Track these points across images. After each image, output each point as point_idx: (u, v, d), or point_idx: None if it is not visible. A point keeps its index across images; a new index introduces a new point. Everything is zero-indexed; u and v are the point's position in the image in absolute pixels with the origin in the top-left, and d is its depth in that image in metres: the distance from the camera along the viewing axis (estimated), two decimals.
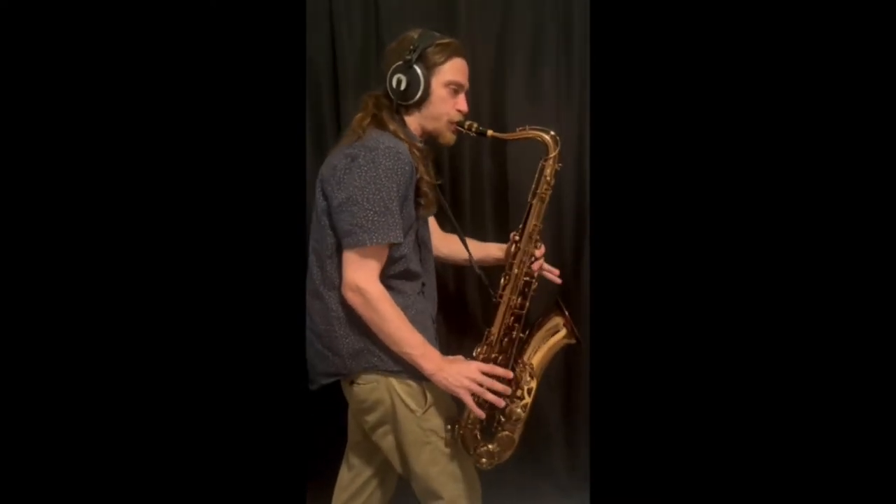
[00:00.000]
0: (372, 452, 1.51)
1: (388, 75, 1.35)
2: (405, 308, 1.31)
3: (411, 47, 1.34)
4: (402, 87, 1.33)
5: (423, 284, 1.39)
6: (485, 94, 1.91)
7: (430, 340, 1.35)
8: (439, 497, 1.40)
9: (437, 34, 1.38)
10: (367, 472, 1.54)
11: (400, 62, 1.34)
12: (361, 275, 1.25)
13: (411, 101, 1.35)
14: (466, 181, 1.95)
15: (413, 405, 1.34)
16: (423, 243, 1.40)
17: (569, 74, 1.91)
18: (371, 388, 1.34)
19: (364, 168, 1.23)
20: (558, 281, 1.57)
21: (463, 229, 1.95)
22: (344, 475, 1.57)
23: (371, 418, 1.38)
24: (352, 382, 1.36)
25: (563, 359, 2.04)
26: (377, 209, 1.22)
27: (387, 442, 1.39)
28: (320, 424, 1.76)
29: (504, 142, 1.84)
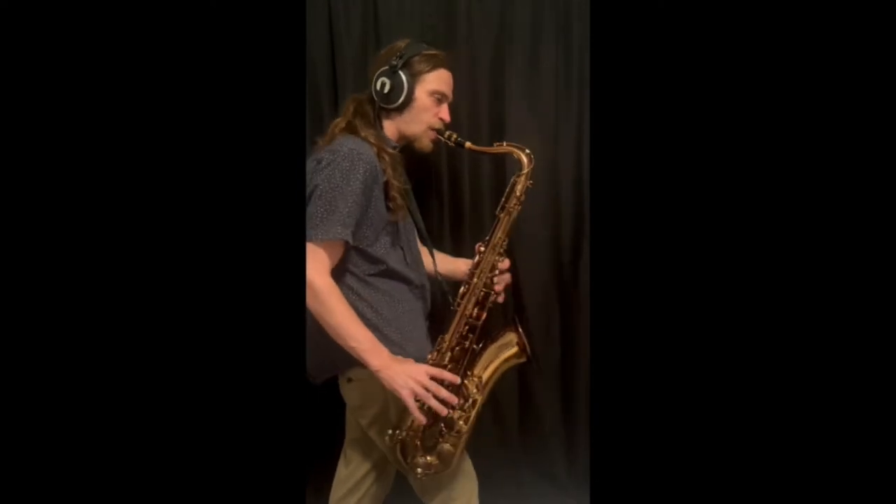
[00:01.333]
0: (369, 448, 1.53)
1: (374, 79, 1.41)
2: (390, 305, 1.35)
3: (398, 54, 1.40)
4: (386, 90, 1.39)
5: (414, 284, 1.42)
6: (483, 93, 1.91)
7: (422, 339, 1.41)
8: (438, 490, 1.42)
9: (425, 45, 1.44)
10: (365, 467, 1.56)
11: (386, 67, 1.40)
12: (310, 267, 1.25)
13: (393, 105, 1.40)
14: (466, 186, 1.95)
15: None
16: (408, 246, 1.42)
17: (567, 74, 1.91)
18: (366, 385, 1.35)
19: (325, 170, 1.27)
20: (500, 294, 1.52)
21: (462, 235, 1.96)
22: (342, 470, 1.59)
23: (368, 413, 1.40)
24: (349, 380, 1.39)
25: (561, 357, 2.04)
26: (327, 207, 1.25)
27: (383, 438, 1.40)
28: (320, 422, 1.77)
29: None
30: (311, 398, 1.42)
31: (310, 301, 1.26)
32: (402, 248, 1.41)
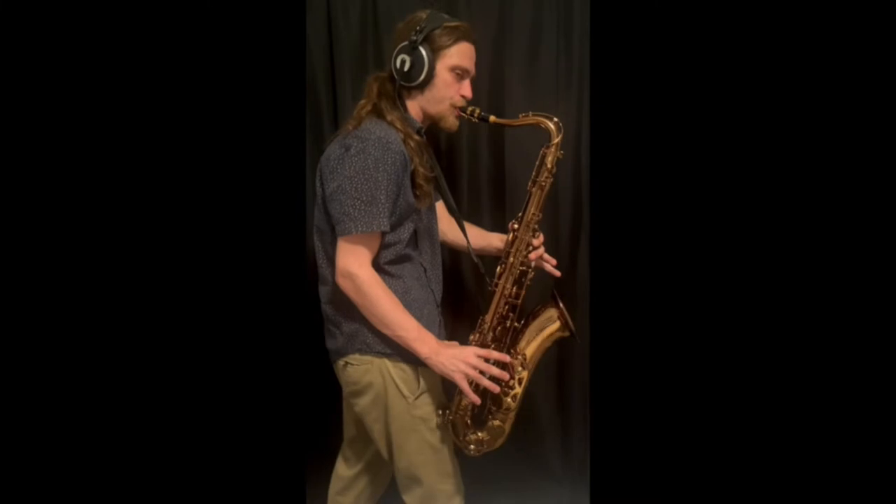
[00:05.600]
0: (365, 446, 1.53)
1: (393, 55, 1.33)
2: (403, 292, 1.32)
3: (418, 28, 1.31)
4: (406, 68, 1.31)
5: (426, 270, 1.39)
6: (483, 82, 1.89)
7: (431, 327, 1.35)
8: (419, 483, 1.40)
9: (447, 16, 1.36)
10: (360, 464, 1.56)
11: (405, 43, 1.31)
12: (352, 260, 1.25)
13: (413, 84, 1.33)
14: (464, 169, 1.93)
15: (405, 391, 1.34)
16: (426, 231, 1.39)
17: (568, 63, 1.89)
18: (364, 370, 1.34)
19: (354, 158, 1.23)
20: (557, 273, 1.55)
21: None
22: (339, 466, 1.60)
23: (362, 401, 1.37)
24: (346, 364, 1.36)
25: (557, 347, 2.03)
26: (364, 198, 1.22)
27: (377, 426, 1.39)
28: (320, 418, 1.77)
29: (502, 129, 1.83)
30: (310, 396, 1.42)
31: (354, 294, 1.25)
32: (420, 235, 1.38)
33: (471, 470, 1.54)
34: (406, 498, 1.43)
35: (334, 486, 1.59)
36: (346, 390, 1.43)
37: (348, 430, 1.56)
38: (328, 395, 1.58)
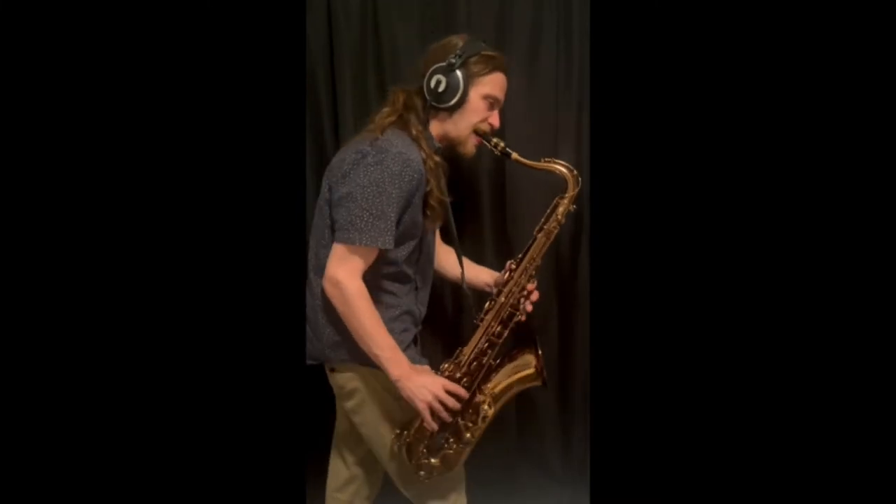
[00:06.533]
0: (357, 442, 1.53)
1: (428, 75, 1.34)
2: (393, 306, 1.33)
3: (458, 52, 1.33)
4: (441, 89, 1.32)
5: (417, 289, 1.40)
6: None
7: (406, 343, 1.36)
8: (417, 482, 1.41)
9: (484, 44, 1.37)
10: (355, 461, 1.56)
11: (443, 63, 1.32)
12: (343, 270, 1.25)
13: (444, 105, 1.33)
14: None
15: (391, 395, 1.35)
16: (425, 251, 1.40)
17: (568, 63, 1.89)
18: (348, 377, 1.36)
19: (371, 168, 1.23)
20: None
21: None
22: (334, 462, 1.60)
23: (349, 404, 1.40)
24: (332, 369, 1.39)
25: (558, 350, 2.04)
26: (374, 211, 1.22)
27: (365, 428, 1.41)
28: (320, 418, 1.77)
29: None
30: (310, 393, 1.42)
31: (339, 303, 1.25)
32: (423, 254, 1.38)
33: (471, 470, 1.54)
34: (407, 493, 1.44)
35: (331, 482, 1.60)
36: (335, 392, 1.45)
37: (340, 425, 1.57)
38: (328, 395, 1.58)
